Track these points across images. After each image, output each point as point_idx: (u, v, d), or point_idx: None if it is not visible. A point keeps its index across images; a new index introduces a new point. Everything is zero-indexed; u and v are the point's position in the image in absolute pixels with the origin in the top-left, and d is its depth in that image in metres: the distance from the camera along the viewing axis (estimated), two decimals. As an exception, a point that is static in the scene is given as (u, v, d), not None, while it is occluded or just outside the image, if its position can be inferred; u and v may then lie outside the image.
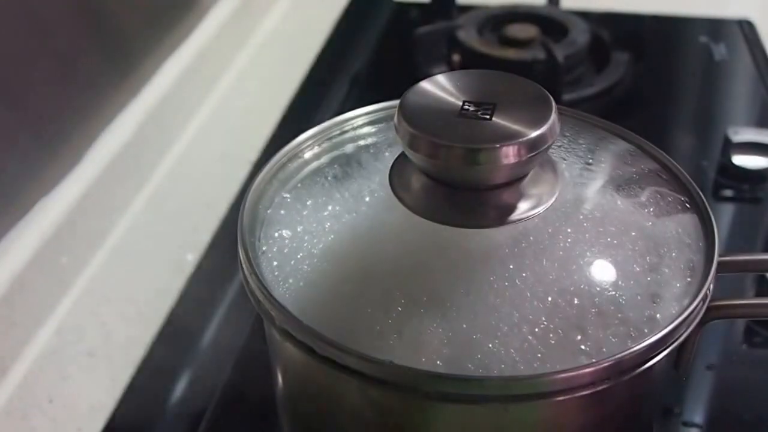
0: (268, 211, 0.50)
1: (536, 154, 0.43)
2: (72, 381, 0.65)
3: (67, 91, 0.71)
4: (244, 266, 0.46)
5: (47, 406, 0.62)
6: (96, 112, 0.74)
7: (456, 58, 0.99)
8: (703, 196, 0.50)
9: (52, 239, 0.66)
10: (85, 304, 0.68)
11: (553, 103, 0.45)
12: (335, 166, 0.52)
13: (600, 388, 0.40)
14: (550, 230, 0.46)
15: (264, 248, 0.47)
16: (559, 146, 0.51)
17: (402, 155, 0.49)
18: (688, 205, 0.50)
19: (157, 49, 0.85)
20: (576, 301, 0.43)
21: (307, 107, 0.95)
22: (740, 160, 0.82)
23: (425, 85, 0.47)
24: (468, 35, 0.98)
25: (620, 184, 0.50)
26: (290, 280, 0.45)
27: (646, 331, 0.42)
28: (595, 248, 0.46)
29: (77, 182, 0.70)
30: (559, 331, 0.42)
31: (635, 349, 0.41)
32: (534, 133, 0.43)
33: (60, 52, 0.71)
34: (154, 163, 0.81)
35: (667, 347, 0.42)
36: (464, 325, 0.42)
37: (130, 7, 0.82)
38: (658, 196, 0.50)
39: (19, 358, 0.62)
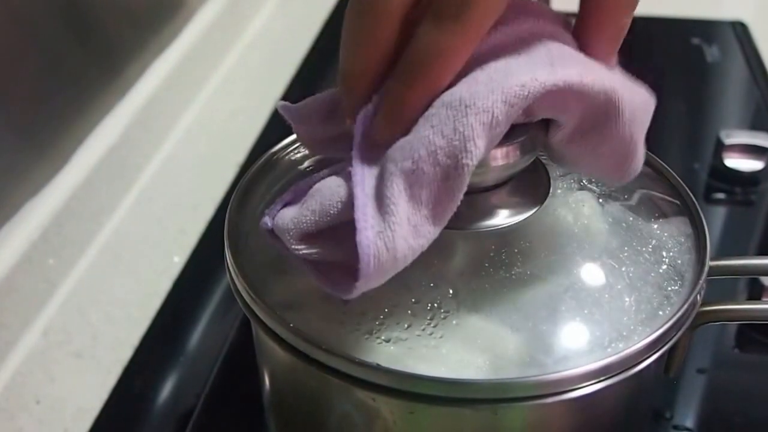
0: (255, 213, 0.49)
1: (526, 156, 0.43)
2: (59, 382, 0.64)
3: (53, 93, 0.71)
4: (230, 268, 0.46)
5: (34, 407, 0.62)
6: (83, 114, 0.74)
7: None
8: (694, 199, 0.50)
9: (39, 241, 0.65)
10: (73, 305, 0.68)
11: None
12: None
13: (589, 391, 0.40)
14: (538, 233, 0.45)
15: (251, 250, 0.47)
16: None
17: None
18: (679, 208, 0.50)
19: (143, 50, 0.84)
20: (564, 305, 0.43)
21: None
22: (732, 162, 0.82)
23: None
24: (459, 37, 0.98)
25: (610, 187, 0.49)
26: (277, 282, 0.45)
27: (636, 334, 0.42)
28: (584, 251, 0.45)
29: (64, 184, 0.70)
30: (548, 334, 0.42)
31: (625, 352, 0.41)
32: (523, 136, 0.43)
33: (47, 53, 0.71)
34: (141, 165, 0.81)
35: (658, 351, 0.42)
36: (452, 328, 0.42)
37: (117, 8, 0.82)
38: (649, 198, 0.50)
39: (7, 360, 0.62)
